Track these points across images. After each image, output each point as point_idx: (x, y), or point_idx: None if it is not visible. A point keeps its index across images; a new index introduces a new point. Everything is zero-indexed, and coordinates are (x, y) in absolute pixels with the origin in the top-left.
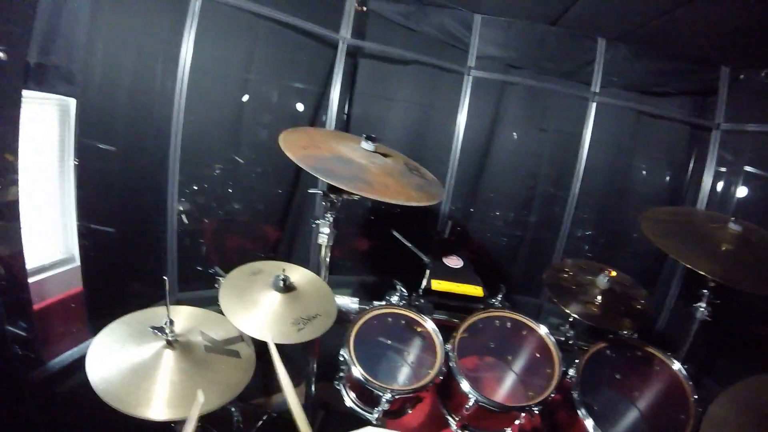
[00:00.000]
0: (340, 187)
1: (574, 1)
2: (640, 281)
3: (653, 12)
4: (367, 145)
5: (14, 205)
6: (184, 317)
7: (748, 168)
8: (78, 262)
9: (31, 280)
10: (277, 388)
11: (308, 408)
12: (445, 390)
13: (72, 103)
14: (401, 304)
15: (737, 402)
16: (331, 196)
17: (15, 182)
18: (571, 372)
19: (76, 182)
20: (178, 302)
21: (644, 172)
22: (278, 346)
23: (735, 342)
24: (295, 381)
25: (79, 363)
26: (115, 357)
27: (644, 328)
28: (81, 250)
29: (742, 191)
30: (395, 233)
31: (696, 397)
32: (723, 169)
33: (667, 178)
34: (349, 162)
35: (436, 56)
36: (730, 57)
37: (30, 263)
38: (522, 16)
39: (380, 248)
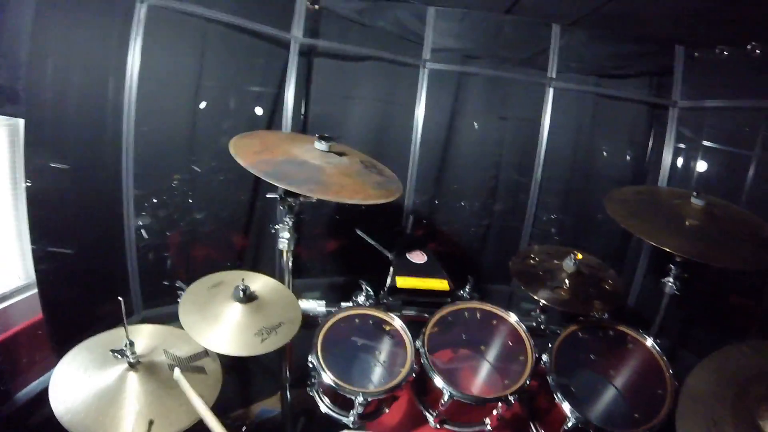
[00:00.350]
0: (294, 191)
1: None
2: (609, 260)
3: None
4: (321, 146)
5: None
6: (146, 336)
7: (706, 143)
8: None
9: None
10: (255, 397)
11: (287, 415)
12: (421, 386)
13: (20, 123)
14: (368, 304)
15: (713, 372)
16: (289, 199)
17: None
18: (545, 357)
19: (29, 204)
20: (144, 320)
21: (605, 154)
22: (250, 357)
23: (707, 313)
24: (272, 388)
25: (47, 393)
26: (79, 385)
27: (615, 308)
28: (38, 274)
29: (701, 166)
30: (359, 232)
31: (671, 371)
32: (682, 146)
33: (629, 158)
34: (302, 164)
35: (392, 51)
36: (685, 36)
37: None
38: (476, 6)
39: (347, 248)
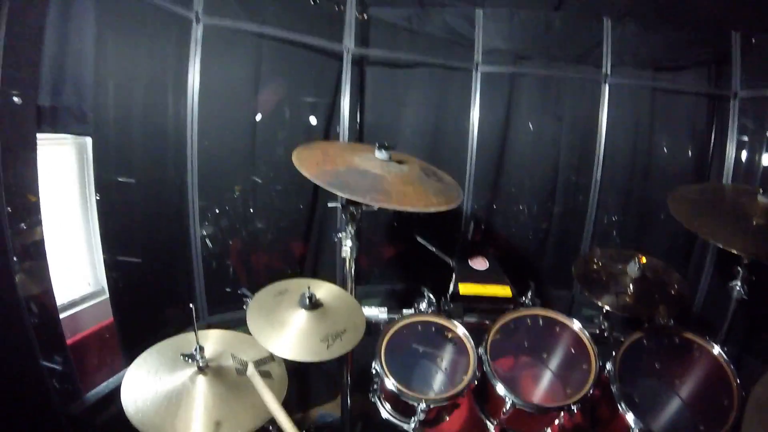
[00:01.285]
0: (357, 200)
1: None
2: (673, 262)
3: None
4: (381, 154)
5: (40, 244)
6: (213, 341)
7: None
8: (107, 295)
9: (62, 315)
10: (314, 402)
11: (346, 421)
12: (482, 394)
13: (88, 140)
14: (430, 310)
15: None
16: (351, 208)
17: (39, 222)
18: (609, 366)
19: (99, 216)
20: (210, 326)
21: (666, 149)
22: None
23: None
24: (330, 393)
25: (116, 393)
26: (149, 386)
27: (680, 314)
28: (109, 282)
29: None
30: (419, 238)
31: (738, 381)
32: (745, 138)
33: (690, 153)
34: (364, 173)
35: (442, 55)
36: (740, 21)
37: (60, 299)
38: (524, 4)
39: (407, 254)
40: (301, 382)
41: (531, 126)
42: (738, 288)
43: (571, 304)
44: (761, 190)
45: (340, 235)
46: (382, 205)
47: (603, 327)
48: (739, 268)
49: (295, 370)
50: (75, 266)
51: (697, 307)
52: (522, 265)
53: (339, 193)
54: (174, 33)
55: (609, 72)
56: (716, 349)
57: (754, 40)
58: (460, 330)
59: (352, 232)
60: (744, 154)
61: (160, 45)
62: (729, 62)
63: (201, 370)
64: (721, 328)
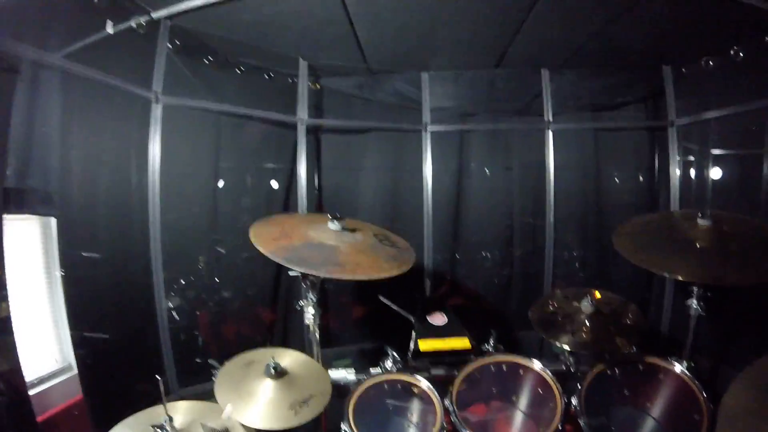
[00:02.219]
0: (313, 274)
1: (510, 41)
2: (637, 288)
3: (587, 34)
4: (334, 226)
5: (7, 320)
6: (183, 412)
7: (715, 151)
8: (76, 370)
9: (32, 392)
10: None
11: None
12: None
13: (53, 219)
14: (396, 368)
15: (749, 388)
16: (310, 277)
17: (5, 298)
18: (574, 401)
19: (65, 292)
20: (182, 398)
21: (617, 181)
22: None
23: (741, 326)
24: None
25: None
26: None
27: (640, 341)
28: (77, 358)
29: (715, 174)
30: (382, 298)
31: (704, 395)
32: (691, 158)
33: (639, 183)
34: (319, 246)
35: (394, 119)
36: (670, 56)
37: (29, 376)
38: (466, 66)
39: (374, 314)
40: None
41: (483, 177)
42: (694, 306)
43: (542, 343)
44: (700, 214)
45: (302, 302)
46: (337, 277)
47: (569, 363)
48: (694, 288)
49: None
50: (42, 342)
51: (665, 326)
52: (488, 312)
53: (297, 269)
54: (136, 112)
55: (551, 119)
56: (678, 368)
57: (684, 71)
58: (424, 384)
59: (314, 299)
60: (693, 174)
61: (123, 124)
62: (663, 94)
63: None
64: (686, 345)
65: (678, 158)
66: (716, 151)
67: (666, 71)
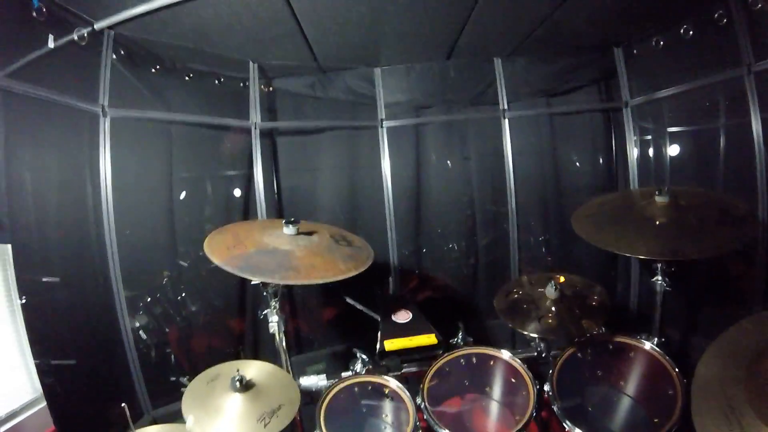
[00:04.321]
0: (267, 281)
1: (460, 32)
2: (604, 267)
3: (535, 21)
4: (289, 230)
5: None
6: None
7: (671, 129)
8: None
9: (3, 428)
10: None
11: None
12: None
13: (7, 246)
14: (365, 370)
15: (720, 357)
16: (270, 285)
17: None
18: (547, 387)
19: (26, 320)
20: (155, 420)
21: (577, 164)
22: None
23: (708, 296)
24: None
25: None
26: None
27: (616, 318)
28: (45, 388)
29: (673, 150)
30: (348, 299)
31: (677, 369)
32: (648, 137)
33: (598, 165)
34: (273, 252)
35: (348, 117)
36: (620, 38)
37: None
38: (418, 58)
39: (343, 315)
40: None
41: (442, 169)
42: (660, 282)
43: (513, 331)
44: (657, 191)
45: (265, 311)
46: (292, 282)
47: (540, 349)
48: (657, 264)
49: None
50: (11, 375)
51: (633, 304)
52: (458, 304)
53: (250, 278)
54: (85, 128)
55: (506, 107)
56: (647, 345)
57: (635, 51)
58: (393, 383)
59: (276, 306)
60: (651, 153)
61: (71, 141)
62: (616, 76)
63: None
64: (654, 321)
65: (635, 138)
66: (672, 129)
67: (617, 53)
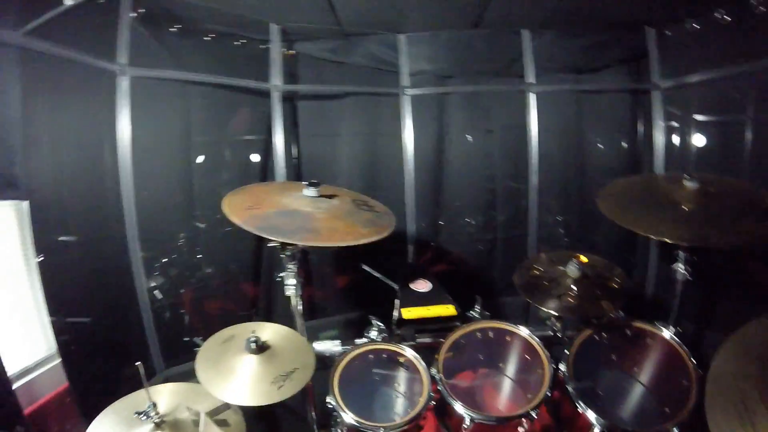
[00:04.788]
0: (287, 242)
1: (488, 1)
2: (621, 251)
3: None
4: (310, 192)
5: None
6: (168, 395)
7: (698, 117)
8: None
9: (16, 384)
10: None
11: None
12: (444, 411)
13: (25, 204)
14: (380, 338)
15: (737, 353)
16: (288, 247)
17: None
18: (562, 367)
19: (42, 278)
20: (167, 379)
21: (600, 146)
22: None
23: (727, 290)
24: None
25: None
26: None
27: (632, 302)
28: (59, 345)
29: (698, 141)
30: (365, 267)
31: (693, 361)
32: (675, 124)
33: (624, 146)
34: (293, 213)
35: (370, 83)
36: (653, 17)
37: (13, 368)
38: (444, 26)
39: (358, 283)
40: (269, 423)
41: (463, 141)
42: (681, 270)
43: (527, 309)
44: (687, 176)
45: (282, 274)
46: (311, 244)
47: (556, 328)
48: (680, 251)
49: (261, 412)
50: (25, 332)
51: (649, 291)
52: (473, 278)
53: (269, 237)
54: (103, 87)
55: (532, 81)
56: (667, 333)
57: (668, 32)
58: (409, 353)
59: (294, 269)
60: (676, 140)
61: (89, 100)
62: (647, 57)
63: (158, 426)
64: (672, 309)
65: (661, 123)
66: (699, 117)
67: (649, 33)
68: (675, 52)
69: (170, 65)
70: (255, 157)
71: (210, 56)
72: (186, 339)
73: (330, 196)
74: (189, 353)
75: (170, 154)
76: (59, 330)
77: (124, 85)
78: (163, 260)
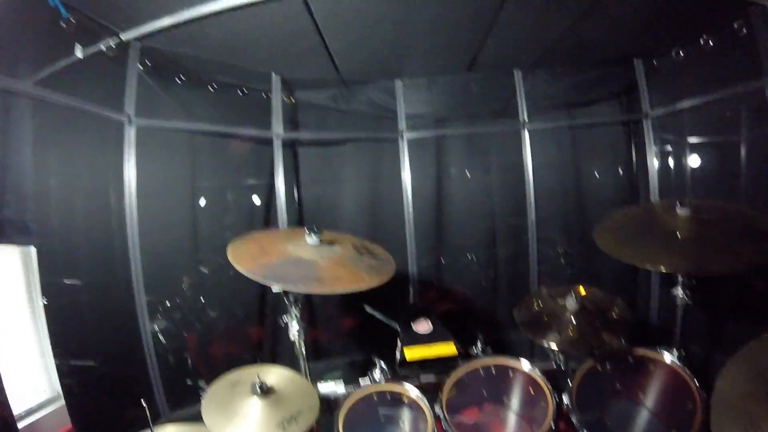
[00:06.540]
0: (292, 290)
1: (481, 45)
2: (624, 279)
3: (556, 33)
4: (312, 239)
5: None
6: None
7: (692, 139)
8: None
9: (21, 424)
10: None
11: None
12: None
13: (32, 248)
14: (384, 378)
15: (742, 372)
16: (292, 292)
17: None
18: (566, 399)
19: (48, 321)
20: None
21: (597, 176)
22: None
23: (730, 312)
24: None
25: None
26: None
27: (627, 335)
28: (63, 388)
29: (694, 163)
30: (368, 308)
31: (696, 383)
32: (669, 148)
33: (621, 174)
34: (298, 262)
35: (370, 129)
36: (640, 49)
37: (17, 408)
38: (438, 71)
39: (362, 324)
40: None
41: (463, 181)
42: (680, 295)
43: (533, 342)
44: (678, 204)
45: (286, 318)
46: (317, 292)
47: (559, 361)
48: (679, 277)
49: None
50: (29, 373)
51: (653, 317)
52: (478, 315)
53: (276, 286)
54: (111, 136)
55: (527, 119)
56: (668, 358)
57: (656, 63)
58: (413, 392)
59: (297, 314)
60: (672, 165)
61: (97, 149)
62: (637, 88)
63: None
64: (675, 334)
65: (655, 149)
66: (693, 140)
67: (638, 64)
68: (664, 80)
69: (176, 114)
70: (257, 201)
71: (214, 105)
72: (190, 383)
73: (331, 243)
74: (192, 397)
75: (176, 200)
76: (64, 373)
77: (131, 134)
78: (168, 304)
